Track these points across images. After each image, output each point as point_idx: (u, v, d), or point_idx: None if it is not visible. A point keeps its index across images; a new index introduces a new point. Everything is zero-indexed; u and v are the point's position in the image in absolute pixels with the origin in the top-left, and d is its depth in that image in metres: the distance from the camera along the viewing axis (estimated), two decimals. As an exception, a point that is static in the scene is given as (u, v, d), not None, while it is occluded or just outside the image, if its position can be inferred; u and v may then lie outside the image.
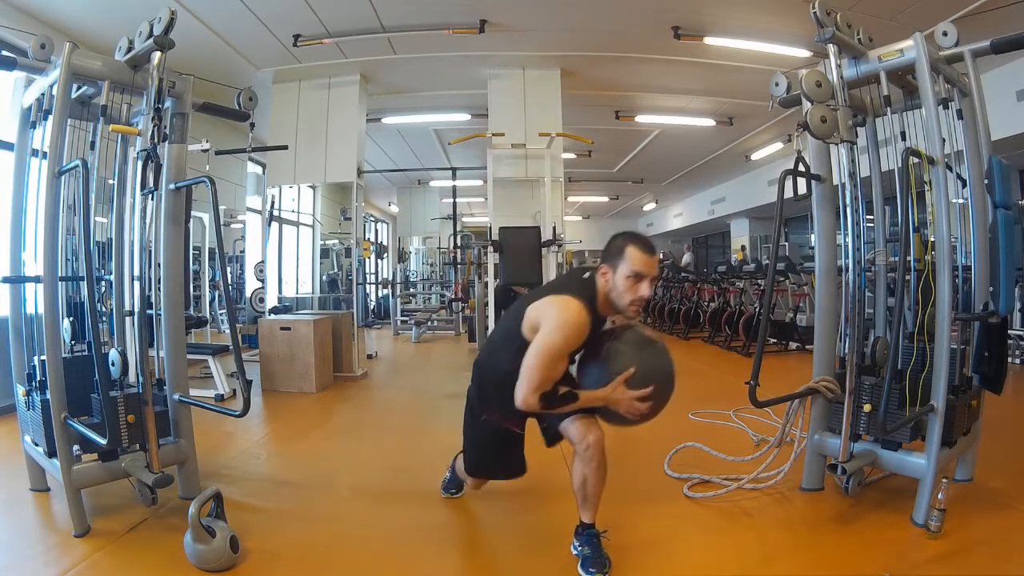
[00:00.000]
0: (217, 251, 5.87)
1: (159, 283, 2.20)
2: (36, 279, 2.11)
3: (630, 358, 1.73)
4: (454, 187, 8.61)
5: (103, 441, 1.85)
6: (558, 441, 1.85)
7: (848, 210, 2.07)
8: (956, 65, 2.22)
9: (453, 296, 9.08)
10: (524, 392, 1.62)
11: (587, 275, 1.77)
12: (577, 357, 1.84)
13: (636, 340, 1.79)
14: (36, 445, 2.13)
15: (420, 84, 5.87)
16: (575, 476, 1.73)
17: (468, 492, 2.30)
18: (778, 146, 8.40)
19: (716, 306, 7.34)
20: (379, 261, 11.13)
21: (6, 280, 2.24)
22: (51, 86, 2.01)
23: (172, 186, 2.22)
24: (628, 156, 9.28)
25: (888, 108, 2.11)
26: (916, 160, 2.04)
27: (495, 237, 4.85)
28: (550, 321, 1.62)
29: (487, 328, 5.41)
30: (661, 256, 14.29)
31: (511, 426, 1.83)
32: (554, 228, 4.98)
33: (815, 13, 1.98)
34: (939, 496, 1.85)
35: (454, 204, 8.73)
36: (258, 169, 7.68)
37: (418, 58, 5.14)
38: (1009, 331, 3.80)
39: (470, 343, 7.17)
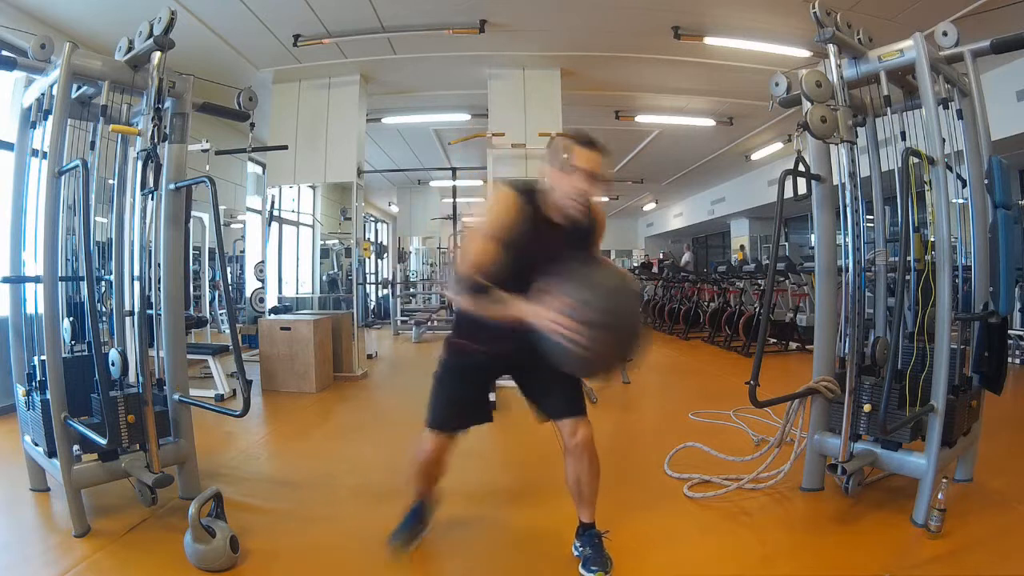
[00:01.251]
0: (217, 251, 5.87)
1: (159, 283, 2.20)
2: (36, 279, 2.11)
3: (578, 281, 1.49)
4: (454, 187, 8.60)
5: (103, 441, 1.85)
6: (549, 420, 1.75)
7: (848, 210, 2.07)
8: (956, 65, 2.22)
9: (453, 296, 9.06)
10: (454, 271, 1.59)
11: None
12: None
13: (596, 267, 1.58)
14: (36, 445, 2.13)
15: (420, 84, 5.87)
16: (568, 475, 1.73)
17: (469, 493, 2.29)
18: (778, 146, 8.40)
19: (716, 306, 7.33)
20: (379, 261, 11.14)
21: (6, 280, 2.24)
22: (51, 86, 2.01)
23: (172, 186, 2.23)
24: (628, 156, 9.28)
25: (888, 108, 2.11)
26: (916, 160, 2.04)
27: (495, 237, 4.84)
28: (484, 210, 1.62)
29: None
30: (661, 256, 14.33)
31: (479, 347, 1.72)
32: (554, 228, 4.97)
33: (815, 13, 1.98)
34: (939, 496, 1.85)
35: (454, 204, 8.72)
36: (258, 169, 7.68)
37: (418, 58, 5.14)
38: (1009, 331, 3.80)
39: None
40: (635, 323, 1.58)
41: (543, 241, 1.61)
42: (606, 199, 14.22)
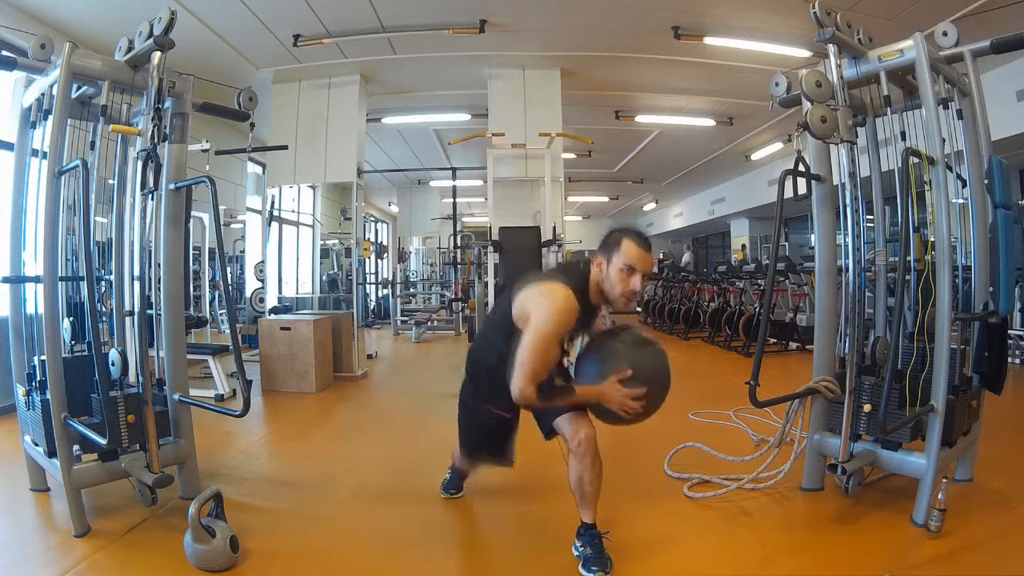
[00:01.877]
0: (217, 251, 5.87)
1: (159, 283, 2.20)
2: (36, 279, 2.11)
3: (627, 358, 1.74)
4: (454, 187, 8.61)
5: (103, 441, 1.85)
6: (556, 435, 1.85)
7: (848, 210, 2.07)
8: (956, 65, 2.22)
9: (453, 296, 9.08)
10: (519, 383, 1.61)
11: (581, 264, 1.80)
12: (573, 353, 1.84)
13: (634, 340, 1.81)
14: (36, 445, 2.13)
15: (420, 84, 5.88)
16: (571, 474, 1.74)
17: (468, 492, 2.30)
18: (778, 146, 8.40)
19: (716, 306, 7.33)
20: (379, 261, 11.14)
21: (6, 280, 2.24)
22: (51, 86, 2.01)
23: (172, 186, 2.22)
24: (628, 156, 9.28)
25: (888, 108, 2.11)
26: (916, 160, 2.04)
27: (495, 237, 4.85)
28: (539, 309, 1.63)
29: (487, 328, 5.40)
30: (661, 256, 14.37)
31: (502, 412, 1.83)
32: (554, 228, 4.98)
33: (815, 13, 1.98)
34: (939, 496, 1.85)
35: (454, 204, 8.73)
36: (258, 169, 7.68)
37: (418, 58, 5.15)
38: (1009, 331, 3.80)
39: (470, 343, 7.16)
40: (668, 382, 1.80)
41: (583, 324, 1.77)
42: (606, 198, 14.25)
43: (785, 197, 2.06)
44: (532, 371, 1.60)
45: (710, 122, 7.21)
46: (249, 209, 7.60)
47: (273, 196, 5.61)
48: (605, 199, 14.37)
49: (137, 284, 2.12)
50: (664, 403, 1.80)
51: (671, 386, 1.81)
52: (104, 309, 2.27)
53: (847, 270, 2.10)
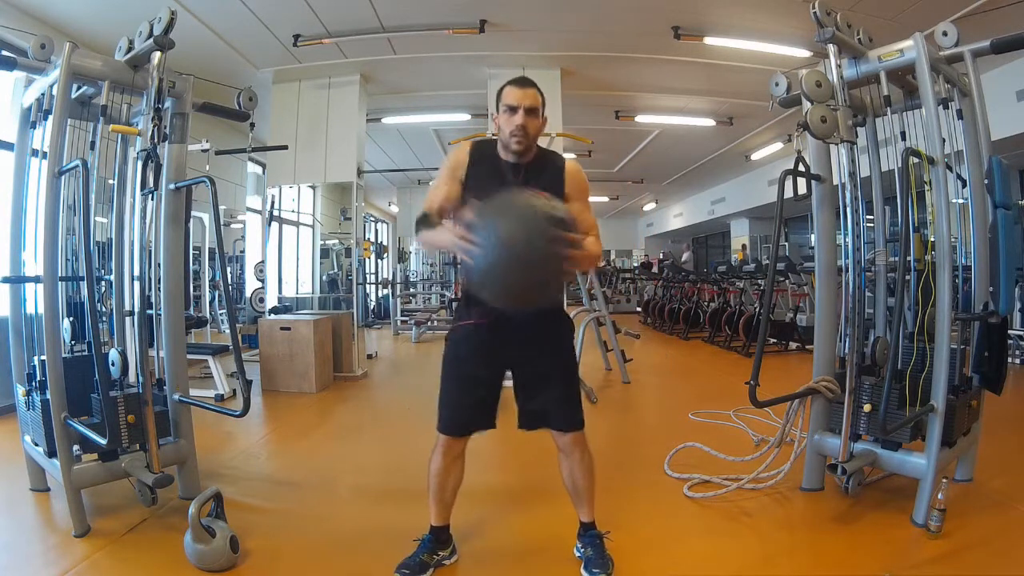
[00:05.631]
0: (217, 251, 5.86)
1: (159, 283, 2.20)
2: (36, 279, 2.11)
3: (489, 202, 1.47)
4: (454, 187, 8.59)
5: (103, 441, 1.85)
6: (535, 427, 1.73)
7: (848, 210, 2.07)
8: (956, 65, 2.22)
9: (453, 296, 9.08)
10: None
11: None
12: None
13: (505, 193, 1.53)
14: (36, 445, 2.13)
15: (420, 84, 5.88)
16: (563, 473, 1.74)
17: (469, 494, 2.29)
18: (778, 146, 8.40)
19: (716, 306, 7.34)
20: (379, 261, 11.13)
21: (6, 280, 2.24)
22: (51, 86, 2.01)
23: (172, 186, 2.23)
24: (628, 156, 9.28)
25: (888, 108, 2.11)
26: (916, 160, 2.04)
27: (495, 237, 4.84)
28: None
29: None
30: (661, 256, 14.31)
31: (480, 321, 1.71)
32: (554, 228, 4.97)
33: (815, 13, 1.98)
34: (939, 496, 1.85)
35: (454, 204, 8.71)
36: (258, 169, 7.68)
37: (418, 58, 5.15)
38: (1009, 331, 3.80)
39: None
40: (538, 245, 1.38)
41: (505, 183, 1.67)
42: (606, 198, 14.21)
43: (785, 197, 2.06)
44: (425, 204, 1.70)
45: (710, 122, 7.20)
46: (249, 209, 7.60)
47: (273, 196, 5.61)
48: (605, 199, 14.36)
49: (137, 284, 2.12)
50: (549, 279, 1.48)
51: (544, 258, 1.39)
52: (104, 309, 2.27)
53: (847, 270, 2.10)
